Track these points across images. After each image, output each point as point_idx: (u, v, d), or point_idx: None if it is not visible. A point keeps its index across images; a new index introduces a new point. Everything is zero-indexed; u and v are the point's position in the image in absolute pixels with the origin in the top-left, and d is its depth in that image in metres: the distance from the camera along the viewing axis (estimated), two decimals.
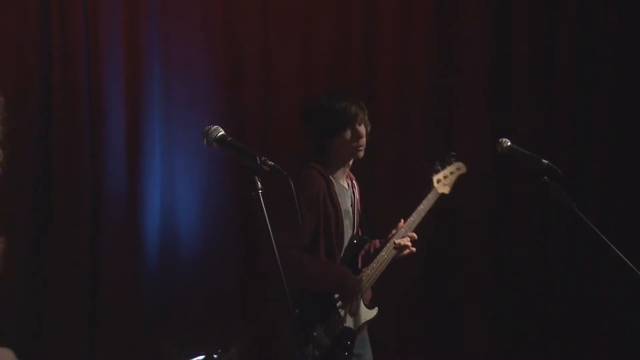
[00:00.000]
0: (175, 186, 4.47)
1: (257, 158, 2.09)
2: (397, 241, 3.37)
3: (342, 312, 3.26)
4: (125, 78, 4.36)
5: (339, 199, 3.31)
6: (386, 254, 3.35)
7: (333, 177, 3.33)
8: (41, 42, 4.26)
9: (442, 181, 3.60)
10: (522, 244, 4.86)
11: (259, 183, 2.10)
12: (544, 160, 3.12)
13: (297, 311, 3.04)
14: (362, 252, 3.43)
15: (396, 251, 3.37)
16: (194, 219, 4.47)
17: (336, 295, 3.26)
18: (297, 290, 3.13)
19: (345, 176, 3.43)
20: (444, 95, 4.86)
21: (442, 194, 3.57)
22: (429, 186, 3.54)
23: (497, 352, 4.82)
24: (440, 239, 4.76)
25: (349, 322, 3.28)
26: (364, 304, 3.34)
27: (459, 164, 3.69)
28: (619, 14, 4.82)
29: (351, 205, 3.41)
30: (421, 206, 3.48)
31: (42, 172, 4.25)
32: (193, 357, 3.84)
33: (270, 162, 2.11)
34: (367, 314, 3.36)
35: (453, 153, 3.69)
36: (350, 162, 3.39)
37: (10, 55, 4.22)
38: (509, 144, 3.25)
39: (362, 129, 3.30)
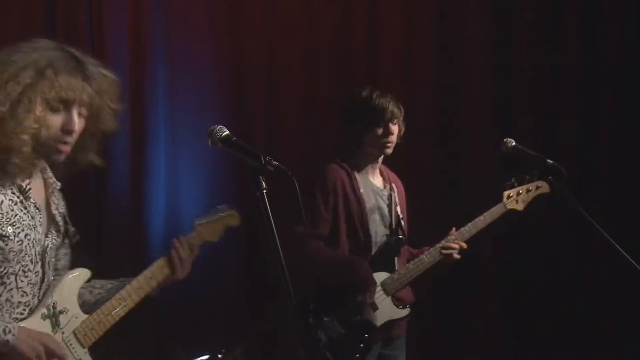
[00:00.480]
0: (180, 186, 4.47)
1: (262, 158, 2.09)
2: (444, 246, 3.44)
3: (361, 304, 3.31)
4: (129, 78, 4.37)
5: (363, 194, 3.40)
6: (427, 258, 3.43)
7: (360, 173, 3.45)
8: None
9: (514, 197, 3.60)
10: (527, 245, 4.84)
11: (263, 183, 2.09)
12: (548, 160, 3.12)
13: (315, 300, 3.22)
14: (408, 255, 3.50)
15: (440, 257, 3.44)
16: None
17: None
18: (316, 279, 3.31)
19: (376, 174, 3.54)
20: (448, 94, 4.86)
21: (512, 210, 3.59)
22: (498, 200, 3.57)
23: (502, 352, 4.81)
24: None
25: (369, 316, 3.32)
26: (393, 302, 3.40)
27: (540, 183, 3.62)
28: (623, 13, 4.82)
29: (387, 206, 3.49)
30: (481, 217, 3.53)
31: None
32: (197, 357, 3.85)
33: (274, 162, 2.10)
34: (394, 312, 3.41)
35: (535, 172, 3.60)
36: (380, 159, 3.50)
37: None
38: (513, 144, 3.25)
39: (394, 128, 3.43)
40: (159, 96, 4.43)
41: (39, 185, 2.22)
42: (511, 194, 3.60)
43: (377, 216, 3.44)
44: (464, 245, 3.48)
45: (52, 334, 2.14)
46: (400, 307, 3.43)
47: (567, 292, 4.82)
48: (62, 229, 2.28)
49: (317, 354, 3.02)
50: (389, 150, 3.45)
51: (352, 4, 4.77)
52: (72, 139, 2.13)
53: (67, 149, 2.13)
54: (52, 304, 2.17)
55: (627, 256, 2.92)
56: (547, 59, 4.91)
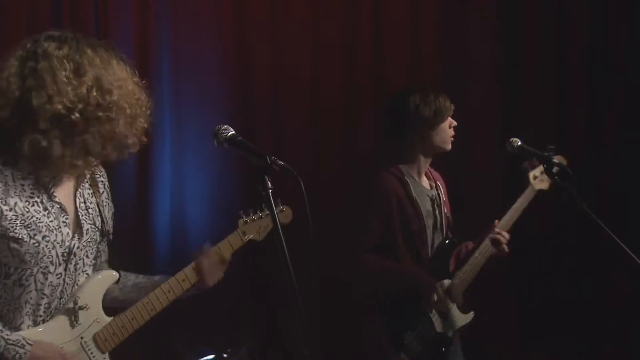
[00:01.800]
0: (185, 186, 4.47)
1: (267, 158, 2.09)
2: (492, 238, 3.31)
3: (432, 317, 3.25)
4: None
5: (417, 199, 3.31)
6: (479, 256, 3.31)
7: (410, 178, 3.34)
8: None
9: (539, 177, 3.45)
10: (533, 244, 4.83)
11: (268, 183, 2.09)
12: (554, 160, 3.11)
13: (387, 316, 3.18)
14: (454, 255, 3.40)
15: (490, 252, 3.31)
16: (203, 219, 4.46)
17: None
18: (377, 292, 3.25)
19: (424, 175, 3.43)
20: (454, 93, 4.84)
21: (541, 190, 3.46)
22: (525, 183, 3.45)
23: (503, 352, 4.81)
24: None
25: (441, 327, 3.27)
26: (457, 308, 3.32)
27: (559, 157, 3.34)
28: (631, 11, 4.81)
29: (437, 206, 3.40)
30: (516, 204, 3.43)
31: None
32: (203, 357, 3.85)
33: (280, 162, 2.10)
34: (462, 318, 3.34)
35: (551, 147, 3.37)
36: (429, 161, 3.42)
37: None
38: (519, 143, 3.23)
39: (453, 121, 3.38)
40: (164, 96, 4.43)
41: (68, 184, 2.21)
42: (536, 175, 3.46)
43: (431, 221, 3.35)
44: (507, 236, 3.35)
45: (70, 328, 2.15)
46: (465, 311, 3.36)
47: (571, 291, 4.81)
48: (93, 226, 2.29)
49: None
50: (449, 145, 3.38)
51: (357, 3, 4.77)
52: None
53: None
54: (73, 300, 2.15)
55: (633, 255, 2.92)
56: (554, 58, 4.91)
